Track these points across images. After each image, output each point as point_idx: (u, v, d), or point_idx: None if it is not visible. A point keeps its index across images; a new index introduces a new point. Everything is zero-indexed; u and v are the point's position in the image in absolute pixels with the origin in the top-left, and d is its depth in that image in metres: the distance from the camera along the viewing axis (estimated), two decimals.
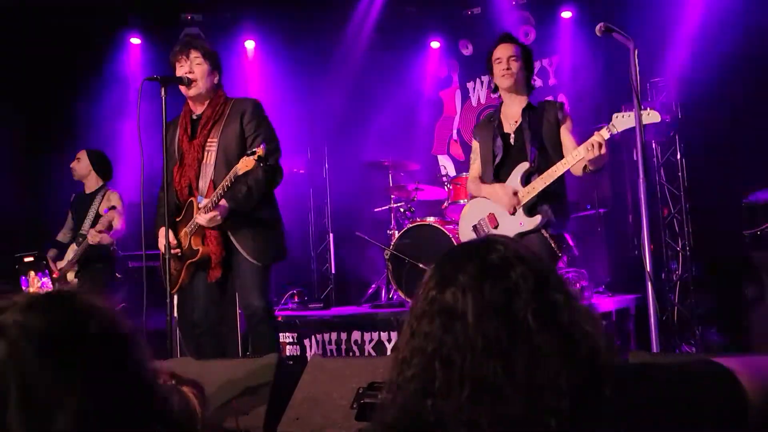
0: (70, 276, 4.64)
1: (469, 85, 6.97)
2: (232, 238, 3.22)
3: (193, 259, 3.23)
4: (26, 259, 4.28)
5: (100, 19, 6.14)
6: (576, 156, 3.17)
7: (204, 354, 3.19)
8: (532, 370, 0.89)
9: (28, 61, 5.80)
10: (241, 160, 2.98)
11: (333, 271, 6.67)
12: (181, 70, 3.25)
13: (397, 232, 5.29)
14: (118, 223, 4.60)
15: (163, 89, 3.11)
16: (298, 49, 6.61)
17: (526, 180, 3.37)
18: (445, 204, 5.35)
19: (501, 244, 1.02)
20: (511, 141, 3.43)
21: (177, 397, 1.18)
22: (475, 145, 3.65)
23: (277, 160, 3.28)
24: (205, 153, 3.24)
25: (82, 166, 4.76)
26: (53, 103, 5.94)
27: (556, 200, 3.39)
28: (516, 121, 3.44)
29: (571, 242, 5.07)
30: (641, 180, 2.51)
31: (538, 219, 3.33)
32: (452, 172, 6.47)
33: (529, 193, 3.32)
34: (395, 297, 5.29)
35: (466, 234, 3.64)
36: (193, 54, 3.24)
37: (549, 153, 3.37)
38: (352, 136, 6.82)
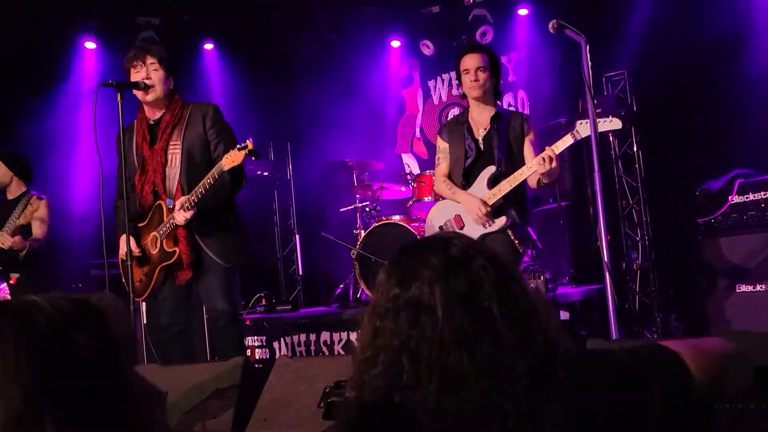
0: None
1: (431, 83, 7.03)
2: (199, 241, 3.21)
3: (169, 262, 3.21)
4: None
5: (53, 23, 6.00)
6: (530, 168, 3.33)
7: (174, 358, 3.16)
8: (494, 357, 0.94)
9: None
10: (227, 155, 2.97)
11: (300, 273, 6.66)
12: (137, 76, 3.21)
13: (363, 231, 5.31)
14: (39, 232, 4.36)
15: (119, 95, 3.07)
16: (259, 51, 6.58)
17: (492, 183, 3.51)
18: (410, 202, 5.39)
19: (456, 239, 1.06)
20: (481, 146, 3.56)
21: None
22: (443, 145, 3.72)
23: (241, 164, 3.27)
24: (169, 157, 3.22)
25: (1, 174, 4.41)
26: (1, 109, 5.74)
27: (518, 204, 3.55)
28: (485, 129, 3.57)
29: (534, 236, 5.16)
30: (596, 173, 2.58)
31: (503, 220, 3.47)
32: (416, 170, 6.53)
33: (495, 195, 3.45)
34: (363, 296, 5.31)
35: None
36: (150, 59, 3.21)
37: (515, 160, 3.52)
38: (315, 137, 6.82)
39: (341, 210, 6.00)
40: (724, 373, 1.07)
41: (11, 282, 4.24)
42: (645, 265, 5.34)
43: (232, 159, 2.95)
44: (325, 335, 4.75)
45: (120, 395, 0.81)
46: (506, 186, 3.43)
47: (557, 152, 3.25)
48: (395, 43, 6.96)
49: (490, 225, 3.47)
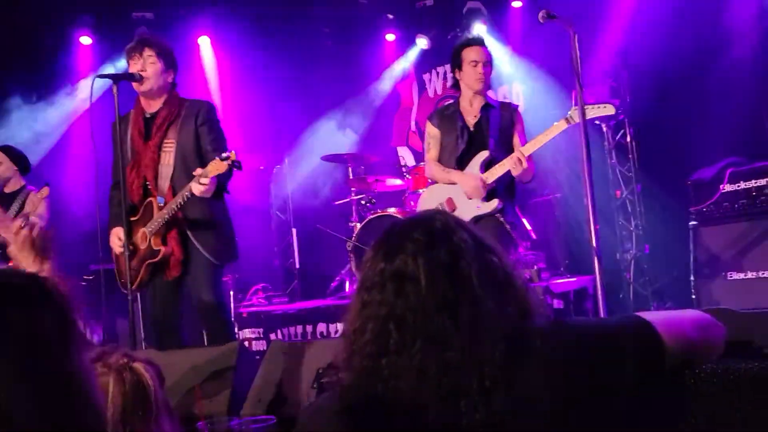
0: None
1: (426, 76, 7.06)
2: (191, 237, 3.24)
3: (154, 260, 3.24)
4: None
5: (49, 18, 6.02)
6: (503, 166, 3.47)
7: (169, 347, 3.20)
8: (473, 322, 1.00)
9: None
10: (212, 163, 2.99)
11: (297, 266, 6.70)
12: (134, 67, 3.25)
13: (358, 223, 5.34)
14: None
15: (114, 87, 3.11)
16: (254, 44, 6.60)
17: (485, 168, 3.59)
18: (406, 194, 5.42)
19: (439, 214, 1.12)
20: (473, 132, 3.67)
21: (128, 374, 1.24)
22: (434, 131, 3.80)
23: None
24: (162, 153, 3.25)
25: (4, 168, 4.46)
26: None
27: (509, 189, 3.66)
28: (475, 116, 3.69)
29: (529, 226, 5.20)
30: (585, 161, 2.62)
31: (495, 203, 3.56)
32: (411, 163, 6.56)
33: (487, 178, 3.55)
34: None
35: None
36: (147, 52, 3.24)
37: (506, 147, 3.63)
38: (310, 130, 6.84)
39: (337, 203, 6.03)
40: (697, 341, 1.11)
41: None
42: (639, 254, 5.38)
43: (216, 167, 2.97)
44: (321, 326, 4.79)
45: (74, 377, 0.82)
46: (499, 170, 3.51)
47: (527, 154, 3.41)
48: (390, 37, 6.98)
49: (480, 205, 3.52)
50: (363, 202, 5.71)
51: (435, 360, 0.98)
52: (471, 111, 3.71)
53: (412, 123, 7.13)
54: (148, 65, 3.23)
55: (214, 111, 3.37)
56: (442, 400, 0.98)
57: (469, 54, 3.63)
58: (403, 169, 5.61)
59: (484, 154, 3.60)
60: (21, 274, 0.86)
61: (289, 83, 6.81)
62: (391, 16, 6.88)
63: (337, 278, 5.91)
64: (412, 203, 5.44)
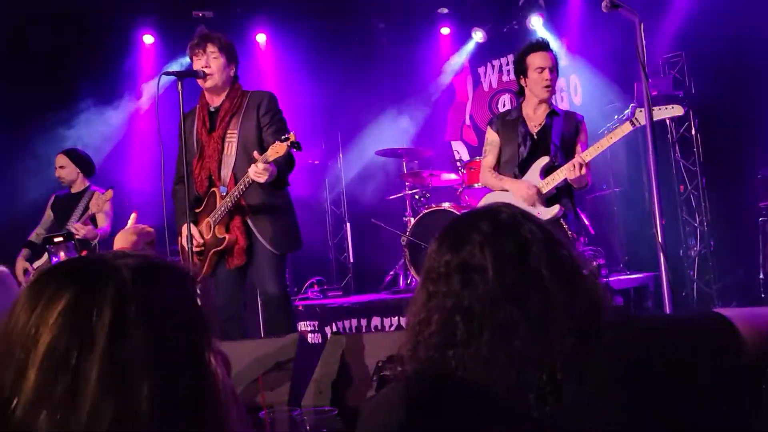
0: None
1: (480, 70, 6.99)
2: (252, 226, 3.29)
3: (219, 248, 3.30)
4: (56, 239, 4.31)
5: (112, 18, 6.23)
6: (562, 172, 3.40)
7: (229, 340, 3.26)
8: (543, 312, 0.99)
9: (39, 60, 5.83)
10: (272, 146, 3.04)
11: (351, 260, 6.75)
12: (197, 63, 3.32)
13: (412, 218, 5.34)
14: (104, 223, 4.56)
15: (179, 83, 3.19)
16: (310, 41, 6.66)
17: (545, 173, 3.52)
18: (460, 189, 5.39)
19: (505, 206, 1.11)
20: (536, 139, 3.57)
21: None
22: (494, 137, 3.72)
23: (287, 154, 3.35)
24: (226, 144, 3.32)
25: (68, 171, 4.69)
26: (64, 101, 5.94)
27: (571, 196, 3.58)
28: (539, 124, 3.58)
29: (587, 221, 5.09)
30: (651, 159, 2.54)
31: (555, 209, 3.46)
32: (466, 157, 6.52)
33: (548, 184, 3.47)
34: (413, 283, 5.35)
35: None
36: (210, 48, 3.32)
37: (568, 155, 3.53)
38: (365, 125, 6.87)
39: (391, 197, 6.05)
40: None
41: (83, 254, 4.42)
42: (703, 251, 5.20)
43: (276, 150, 3.01)
44: (375, 320, 4.81)
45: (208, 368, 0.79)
46: (558, 176, 3.43)
47: (587, 159, 3.31)
48: (445, 30, 6.94)
49: (540, 211, 3.45)
50: (417, 196, 5.70)
51: (503, 351, 0.97)
52: (535, 118, 3.60)
53: (467, 117, 7.08)
54: (211, 61, 3.31)
55: (276, 101, 3.41)
56: (510, 392, 0.97)
57: (535, 60, 3.48)
58: (458, 164, 5.58)
59: (544, 160, 3.52)
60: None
61: (344, 79, 6.85)
62: (445, 10, 6.83)
63: (391, 272, 5.92)
64: (466, 198, 5.40)
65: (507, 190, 3.58)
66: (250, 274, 3.37)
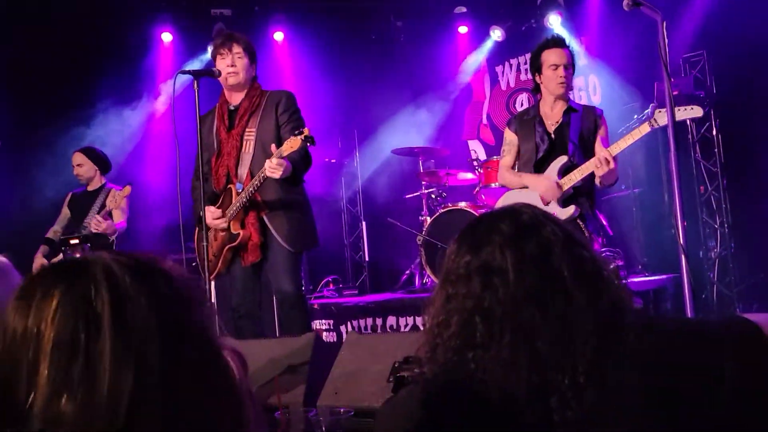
0: None
1: (498, 69, 6.94)
2: (267, 223, 3.30)
3: (233, 244, 3.31)
4: (72, 241, 4.37)
5: (130, 16, 6.27)
6: (581, 171, 3.35)
7: (244, 336, 3.27)
8: (564, 314, 0.97)
9: (55, 57, 5.85)
10: (287, 141, 3.06)
11: (367, 259, 6.74)
12: (222, 63, 3.35)
13: (429, 217, 5.32)
14: (119, 218, 4.61)
15: (195, 82, 3.20)
16: (327, 39, 6.67)
17: (563, 173, 3.48)
18: (477, 188, 5.36)
19: (526, 207, 1.09)
20: (553, 138, 3.53)
21: None
22: (512, 137, 3.70)
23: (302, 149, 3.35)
24: (244, 142, 3.34)
25: (86, 169, 4.77)
26: (83, 100, 5.97)
27: (589, 196, 3.52)
28: (557, 122, 3.54)
29: (605, 222, 5.04)
30: (673, 159, 2.50)
31: (571, 209, 3.43)
32: (483, 156, 6.48)
33: (565, 184, 3.43)
34: (429, 282, 5.33)
35: None
36: (236, 48, 3.35)
37: (587, 153, 3.48)
38: (381, 124, 6.86)
39: (407, 196, 6.03)
40: None
41: None
42: (724, 253, 5.12)
43: (290, 145, 3.04)
44: (391, 320, 4.80)
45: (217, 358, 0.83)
46: (577, 175, 3.39)
47: (614, 154, 3.26)
48: (462, 29, 6.91)
49: (556, 211, 3.42)
50: (433, 195, 5.68)
51: (524, 353, 0.96)
52: (552, 116, 3.57)
53: (484, 116, 7.04)
54: (236, 60, 3.34)
55: (294, 99, 3.43)
56: (531, 395, 0.95)
57: (549, 57, 3.46)
58: (474, 163, 5.55)
59: (562, 159, 3.48)
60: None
61: (361, 77, 6.84)
62: (463, 9, 6.80)
63: (407, 272, 5.91)
64: (483, 197, 5.37)
65: (526, 186, 3.55)
66: (265, 271, 3.37)
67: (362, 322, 4.89)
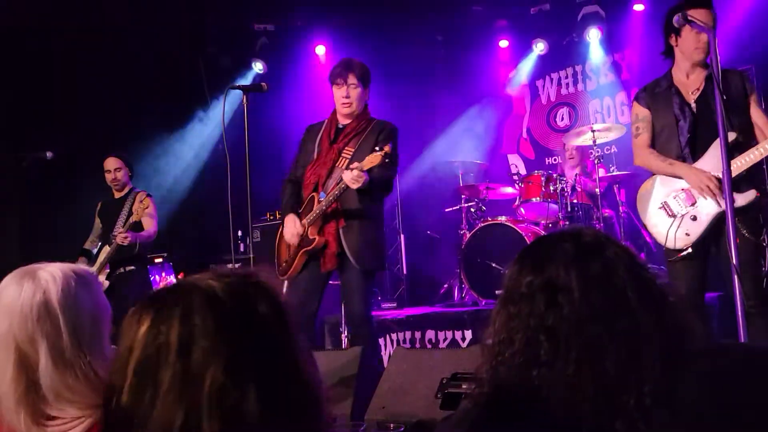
0: (101, 278, 4.47)
1: (539, 83, 6.91)
2: (341, 235, 3.35)
3: (308, 248, 3.38)
4: (156, 260, 4.49)
5: (176, 35, 6.41)
6: (749, 156, 2.87)
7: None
8: (630, 336, 0.97)
9: (111, 83, 5.95)
10: (367, 157, 3.16)
11: (405, 272, 6.74)
12: (338, 93, 3.45)
13: (468, 231, 5.31)
14: (149, 225, 4.63)
15: (244, 97, 3.29)
16: (368, 53, 6.70)
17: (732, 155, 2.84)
18: (517, 202, 5.33)
19: (586, 229, 1.09)
20: (694, 110, 3.07)
21: None
22: (644, 112, 3.22)
23: (392, 176, 3.48)
24: (341, 158, 3.43)
25: (123, 174, 4.79)
26: (134, 123, 6.08)
27: (759, 176, 3.11)
28: (697, 89, 3.10)
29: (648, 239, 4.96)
30: (724, 169, 2.45)
31: (752, 194, 2.91)
32: (523, 171, 6.44)
33: (740, 166, 2.89)
34: (467, 297, 5.31)
35: (651, 214, 3.16)
36: (351, 79, 3.43)
37: (744, 124, 3.00)
38: (421, 137, 6.88)
39: (446, 210, 6.03)
40: None
41: (180, 276, 4.54)
42: None
43: (371, 160, 3.14)
44: (430, 333, 4.79)
45: (301, 365, 0.87)
46: (757, 154, 2.86)
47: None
48: (503, 43, 6.91)
49: (720, 203, 2.92)
50: (473, 209, 5.67)
51: (590, 371, 0.96)
52: (689, 84, 3.11)
53: (524, 130, 7.01)
54: (351, 91, 3.43)
55: (396, 132, 3.51)
56: (596, 416, 0.95)
57: (694, 14, 2.84)
58: (515, 177, 5.53)
59: (730, 136, 2.74)
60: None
61: (401, 91, 6.88)
62: (504, 23, 6.80)
63: (445, 285, 5.89)
64: (522, 211, 5.34)
65: (680, 177, 3.05)
66: (341, 284, 3.43)
67: (401, 335, 4.89)
